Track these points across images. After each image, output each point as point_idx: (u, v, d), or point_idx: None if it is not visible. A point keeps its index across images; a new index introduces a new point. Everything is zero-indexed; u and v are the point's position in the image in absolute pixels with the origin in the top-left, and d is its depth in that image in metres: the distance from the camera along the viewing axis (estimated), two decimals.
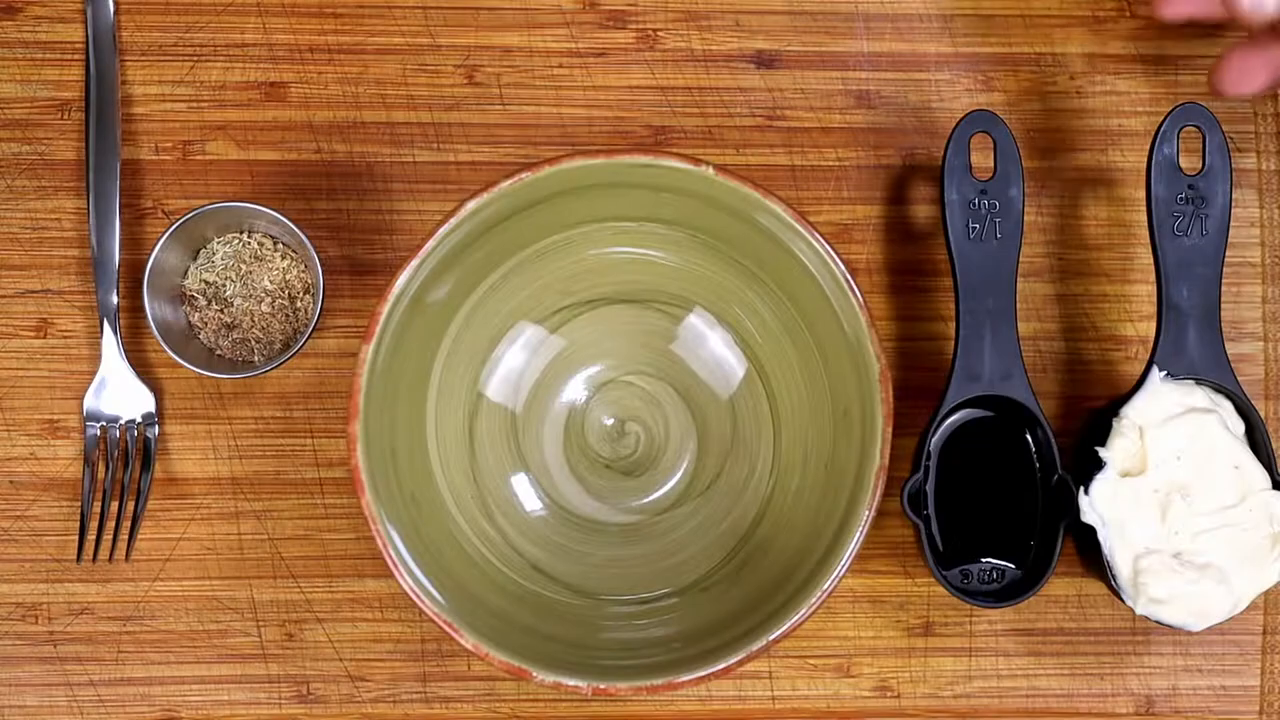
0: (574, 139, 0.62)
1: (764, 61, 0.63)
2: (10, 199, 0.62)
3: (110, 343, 0.60)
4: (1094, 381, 0.63)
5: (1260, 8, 0.47)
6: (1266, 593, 0.62)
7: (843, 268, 0.52)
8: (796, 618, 0.51)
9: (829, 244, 0.53)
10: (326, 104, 0.62)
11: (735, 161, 0.62)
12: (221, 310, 0.60)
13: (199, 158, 0.62)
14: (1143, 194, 0.63)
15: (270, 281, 0.60)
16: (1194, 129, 0.58)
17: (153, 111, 0.62)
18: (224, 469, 0.61)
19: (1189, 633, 0.56)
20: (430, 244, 0.51)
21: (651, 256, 0.59)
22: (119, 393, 0.60)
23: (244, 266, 0.60)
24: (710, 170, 0.51)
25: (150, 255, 0.57)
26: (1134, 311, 0.63)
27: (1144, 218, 0.63)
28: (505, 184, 0.50)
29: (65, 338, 0.61)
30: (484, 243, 0.54)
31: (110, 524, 0.60)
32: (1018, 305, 0.58)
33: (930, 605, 0.62)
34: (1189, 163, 0.58)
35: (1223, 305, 0.58)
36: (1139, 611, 0.55)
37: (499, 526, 0.59)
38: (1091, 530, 0.55)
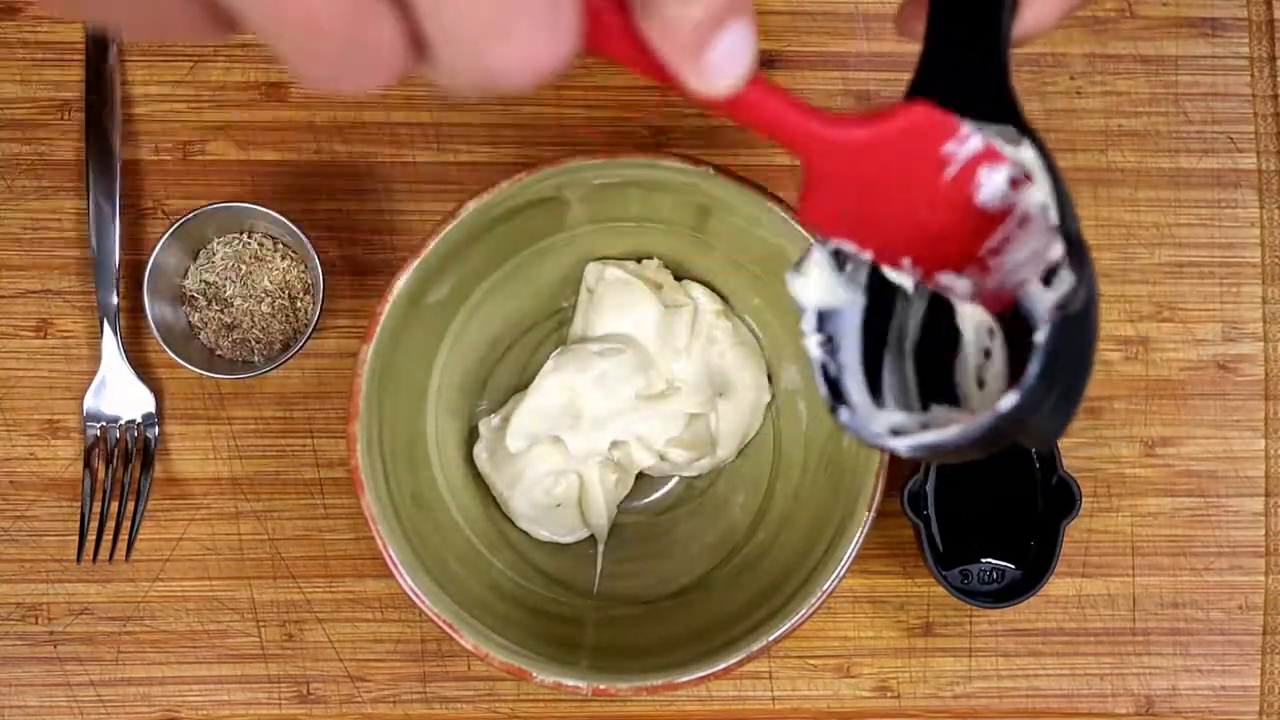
0: (574, 139, 0.62)
1: (764, 61, 0.63)
2: (10, 199, 0.62)
3: (110, 343, 0.60)
4: (1094, 381, 0.63)
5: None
6: (1266, 593, 0.62)
7: None
8: (796, 618, 0.51)
9: None
10: (326, 104, 0.62)
11: (735, 162, 0.62)
12: (221, 310, 0.60)
13: (199, 158, 0.62)
14: (1143, 194, 0.63)
15: (270, 282, 0.60)
16: None
17: (153, 111, 0.62)
18: (224, 469, 0.61)
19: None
20: (430, 244, 0.51)
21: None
22: (119, 393, 0.60)
23: (244, 267, 0.60)
24: (710, 170, 0.51)
25: (150, 255, 0.57)
26: (1134, 311, 0.63)
27: (1145, 218, 0.64)
28: (505, 184, 0.50)
29: (65, 338, 0.61)
30: (484, 243, 0.54)
31: (110, 524, 0.60)
32: None
33: (930, 605, 0.62)
34: None
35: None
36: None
37: (499, 526, 0.59)
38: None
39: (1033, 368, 0.31)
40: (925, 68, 0.34)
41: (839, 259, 0.35)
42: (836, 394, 0.35)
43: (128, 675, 0.61)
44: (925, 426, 0.34)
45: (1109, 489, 0.62)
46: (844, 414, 0.35)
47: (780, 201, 0.52)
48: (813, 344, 0.35)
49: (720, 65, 0.26)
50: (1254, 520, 0.62)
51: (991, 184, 0.32)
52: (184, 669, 0.61)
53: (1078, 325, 0.32)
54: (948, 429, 0.32)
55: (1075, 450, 0.62)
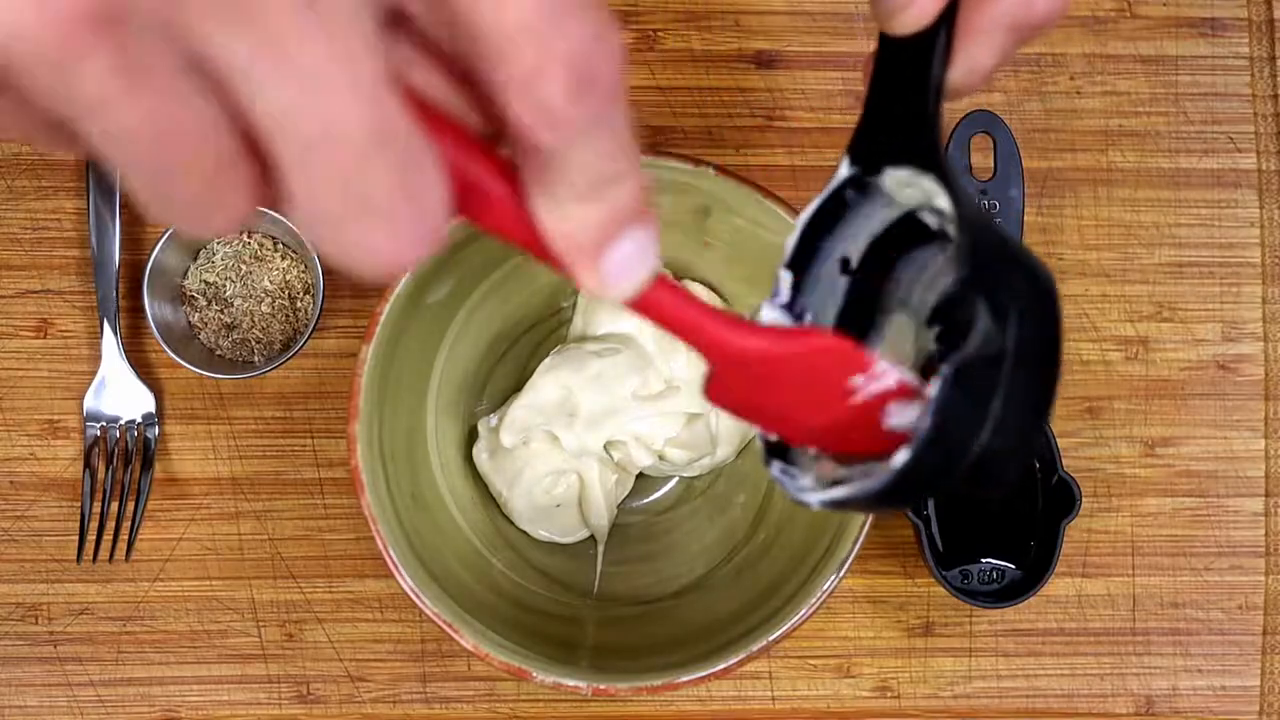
0: None
1: (764, 61, 0.63)
2: (10, 199, 0.62)
3: (110, 343, 0.60)
4: (1094, 381, 0.63)
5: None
6: (1266, 593, 0.62)
7: None
8: (796, 618, 0.51)
9: None
10: None
11: (735, 162, 0.62)
12: (221, 310, 0.60)
13: None
14: (1143, 194, 0.63)
15: (270, 281, 0.60)
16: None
17: None
18: (224, 469, 0.61)
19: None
20: None
21: None
22: (119, 393, 0.60)
23: (244, 267, 0.60)
24: (710, 170, 0.51)
25: (150, 255, 0.57)
26: (1134, 311, 0.63)
27: (1145, 218, 0.64)
28: None
29: (65, 338, 0.61)
30: (484, 243, 0.54)
31: (110, 524, 0.60)
32: None
33: (930, 605, 0.62)
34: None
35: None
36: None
37: (499, 526, 0.59)
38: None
39: (922, 424, 0.29)
40: (865, 118, 0.35)
41: (794, 309, 0.35)
42: (773, 448, 0.34)
43: (128, 675, 0.61)
44: (866, 476, 0.32)
45: (1109, 489, 0.62)
46: (775, 468, 0.34)
47: (780, 201, 0.52)
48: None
49: (618, 272, 0.25)
50: (1254, 520, 0.62)
51: (902, 417, 0.32)
52: (184, 669, 0.61)
53: (986, 378, 0.30)
54: (852, 485, 0.31)
55: (1075, 450, 0.62)
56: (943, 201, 0.32)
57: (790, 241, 0.35)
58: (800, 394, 0.32)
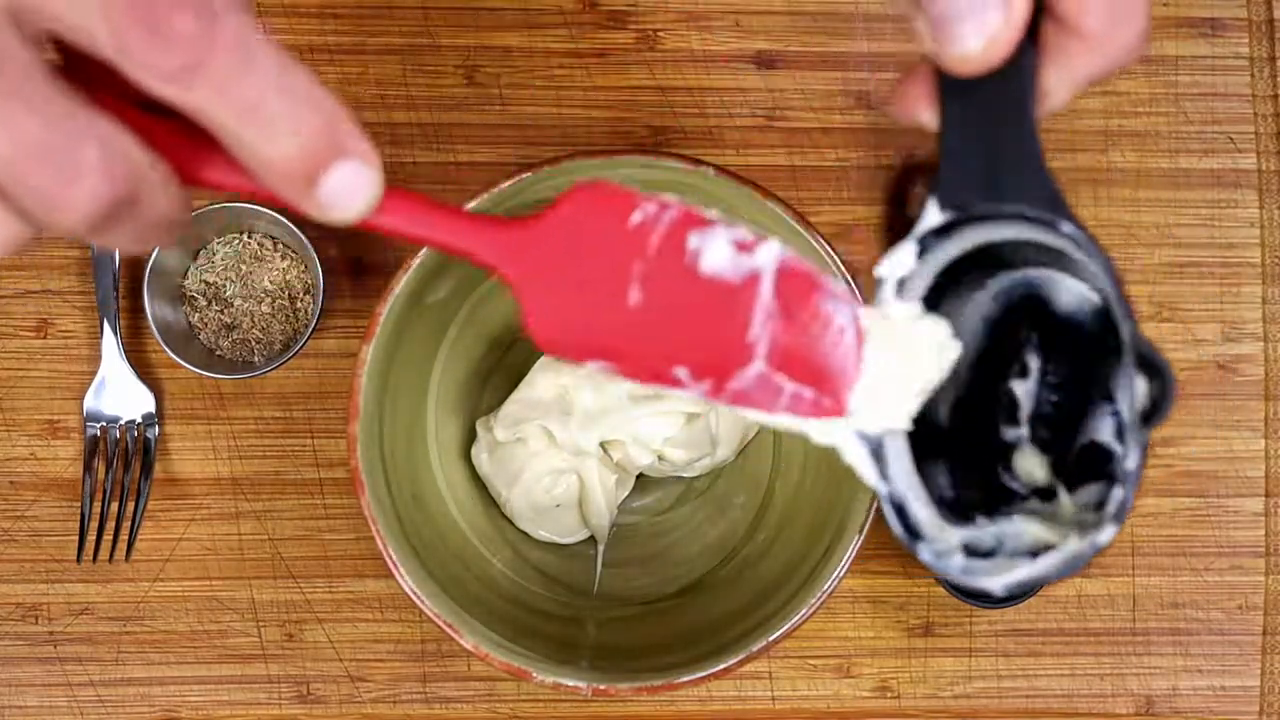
0: (574, 139, 0.62)
1: (764, 62, 0.63)
2: None
3: (110, 343, 0.60)
4: None
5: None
6: (1266, 593, 0.62)
7: (843, 269, 0.52)
8: (796, 618, 0.51)
9: (829, 245, 0.53)
10: None
11: (735, 162, 0.62)
12: (221, 310, 0.60)
13: None
14: (1143, 194, 0.63)
15: (270, 282, 0.60)
16: None
17: None
18: (224, 469, 0.61)
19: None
20: None
21: None
22: (119, 393, 0.60)
23: (244, 267, 0.60)
24: (710, 171, 0.51)
25: (150, 255, 0.57)
26: (1134, 312, 0.63)
27: (1145, 218, 0.64)
28: (505, 184, 0.50)
29: (65, 338, 0.61)
30: None
31: (110, 524, 0.60)
32: None
33: (930, 605, 0.62)
34: None
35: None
36: None
37: (499, 526, 0.59)
38: None
39: (1127, 497, 0.31)
40: (948, 159, 0.32)
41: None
42: (909, 526, 0.33)
43: (128, 675, 0.61)
44: (999, 541, 0.33)
45: None
46: (923, 551, 0.33)
47: (780, 201, 0.52)
48: (879, 484, 0.33)
49: (333, 201, 0.27)
50: (1254, 520, 0.62)
51: (713, 251, 0.29)
52: (184, 669, 0.61)
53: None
54: (1045, 563, 0.32)
55: None
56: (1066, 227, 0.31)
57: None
58: (611, 270, 0.29)
